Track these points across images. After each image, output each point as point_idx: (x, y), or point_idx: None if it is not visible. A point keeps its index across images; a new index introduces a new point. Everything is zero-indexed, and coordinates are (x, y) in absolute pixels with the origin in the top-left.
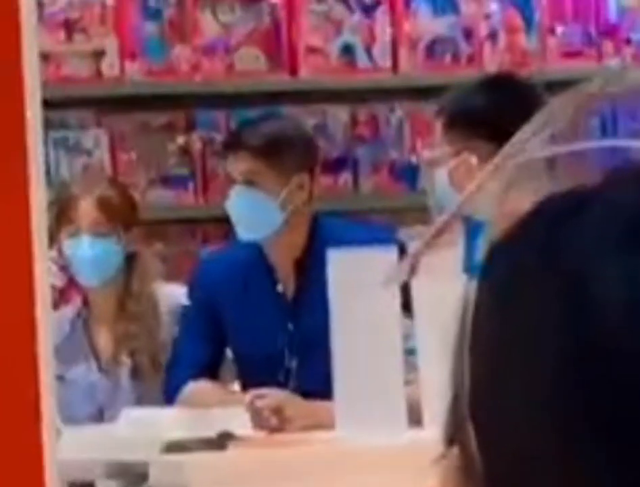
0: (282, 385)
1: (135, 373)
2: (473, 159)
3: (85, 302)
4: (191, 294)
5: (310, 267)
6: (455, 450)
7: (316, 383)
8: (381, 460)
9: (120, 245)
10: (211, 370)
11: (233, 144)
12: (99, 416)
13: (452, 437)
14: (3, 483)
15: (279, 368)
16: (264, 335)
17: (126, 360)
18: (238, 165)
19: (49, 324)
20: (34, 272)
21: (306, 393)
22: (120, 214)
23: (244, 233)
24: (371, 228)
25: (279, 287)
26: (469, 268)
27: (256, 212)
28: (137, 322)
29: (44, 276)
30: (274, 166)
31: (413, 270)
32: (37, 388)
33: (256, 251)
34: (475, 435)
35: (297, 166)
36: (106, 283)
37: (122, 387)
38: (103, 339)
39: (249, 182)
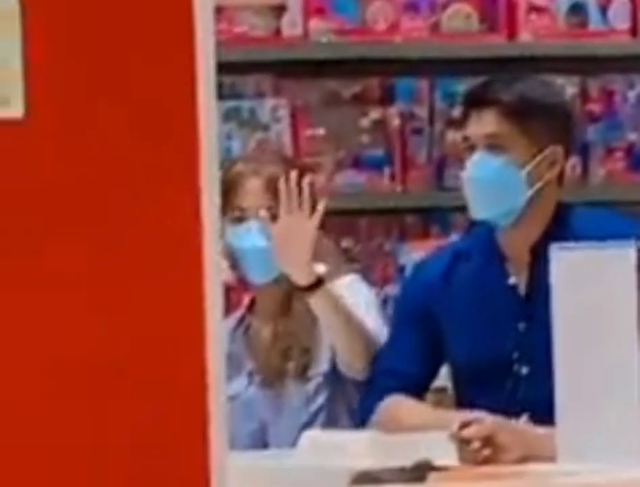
0: (509, 396)
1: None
2: None
3: (251, 305)
4: (403, 298)
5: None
6: None
7: (548, 398)
8: None
9: None
10: (419, 389)
11: (479, 99)
12: (261, 435)
13: None
14: None
15: (506, 376)
16: (492, 336)
17: (287, 366)
18: (482, 125)
19: (220, 332)
20: (203, 270)
21: (537, 408)
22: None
23: (481, 210)
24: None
25: (512, 279)
26: None
27: (500, 184)
28: (300, 322)
29: (216, 276)
30: (527, 130)
31: None
32: (205, 413)
33: (486, 238)
34: None
35: (553, 137)
36: (277, 279)
37: (287, 400)
38: (264, 343)
39: (495, 147)
